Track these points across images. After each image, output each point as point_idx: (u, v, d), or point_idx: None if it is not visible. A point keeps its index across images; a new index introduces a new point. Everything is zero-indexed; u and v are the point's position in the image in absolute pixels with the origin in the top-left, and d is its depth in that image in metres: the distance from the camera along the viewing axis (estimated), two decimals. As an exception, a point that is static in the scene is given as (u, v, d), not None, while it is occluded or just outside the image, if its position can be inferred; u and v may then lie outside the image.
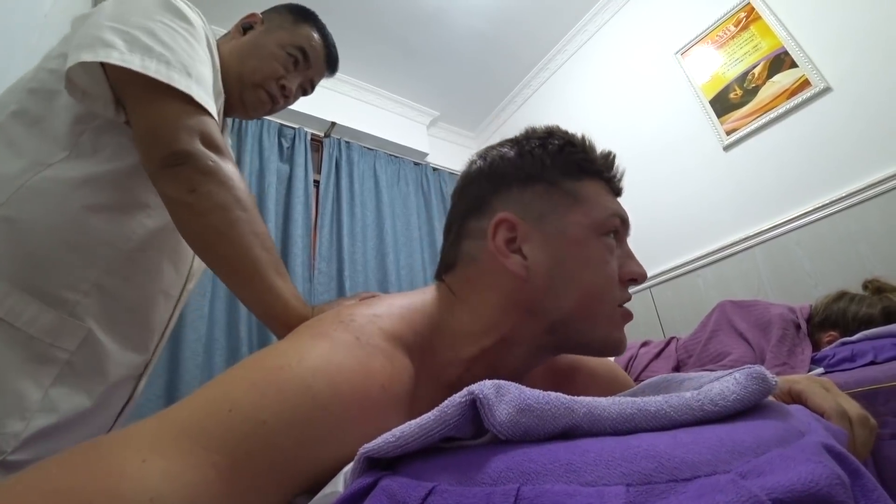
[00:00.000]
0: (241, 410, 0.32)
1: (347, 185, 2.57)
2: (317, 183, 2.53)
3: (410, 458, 0.29)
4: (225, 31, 0.86)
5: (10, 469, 0.55)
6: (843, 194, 1.62)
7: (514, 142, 0.55)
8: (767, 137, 1.86)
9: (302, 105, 2.48)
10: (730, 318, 1.29)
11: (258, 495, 0.32)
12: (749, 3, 1.94)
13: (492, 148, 0.56)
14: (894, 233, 1.51)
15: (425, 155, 3.11)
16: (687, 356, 1.27)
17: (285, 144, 2.44)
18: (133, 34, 0.59)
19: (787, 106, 1.79)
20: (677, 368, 1.26)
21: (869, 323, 1.15)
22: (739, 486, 0.19)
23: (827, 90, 1.71)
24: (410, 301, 0.51)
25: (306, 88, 0.90)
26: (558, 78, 2.90)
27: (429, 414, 0.28)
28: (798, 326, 1.22)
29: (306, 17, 0.86)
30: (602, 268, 0.48)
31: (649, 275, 2.16)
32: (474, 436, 0.29)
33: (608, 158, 0.55)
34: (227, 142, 0.89)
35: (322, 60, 0.87)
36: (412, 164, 3.05)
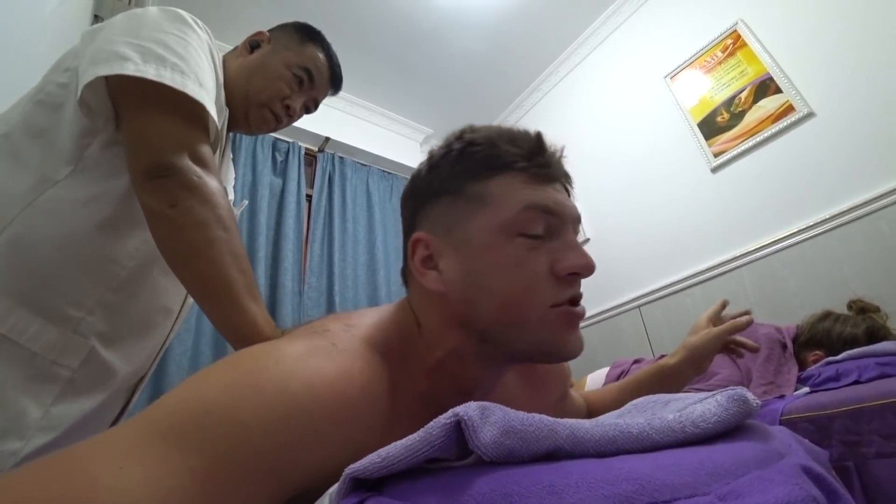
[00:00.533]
0: (218, 412, 0.31)
1: (340, 200, 2.58)
2: (309, 197, 2.54)
3: (395, 479, 0.29)
4: (230, 48, 0.88)
5: None
6: (827, 216, 1.66)
7: (429, 155, 0.53)
8: (753, 160, 1.91)
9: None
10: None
11: (237, 501, 0.31)
12: (736, 31, 2.00)
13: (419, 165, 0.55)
14: (877, 254, 1.54)
15: (418, 172, 3.14)
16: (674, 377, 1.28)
17: (279, 158, 2.45)
18: (146, 46, 0.60)
19: (773, 130, 1.84)
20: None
21: (853, 343, 1.17)
22: (716, 509, 0.19)
23: (810, 115, 1.76)
24: (379, 315, 0.51)
25: (309, 107, 0.91)
26: (550, 99, 2.95)
27: (414, 435, 0.28)
28: (784, 346, 1.23)
29: (312, 36, 0.87)
30: (517, 270, 0.44)
31: (640, 293, 2.19)
32: (459, 457, 0.30)
33: (527, 144, 0.49)
34: (229, 156, 0.90)
35: (326, 80, 0.89)
36: (405, 180, 3.06)
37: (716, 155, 2.00)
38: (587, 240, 2.45)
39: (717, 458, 0.25)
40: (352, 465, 0.29)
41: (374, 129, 2.97)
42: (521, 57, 2.77)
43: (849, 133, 1.66)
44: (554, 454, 0.27)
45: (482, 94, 3.00)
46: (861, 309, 1.31)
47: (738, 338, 0.78)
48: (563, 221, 0.47)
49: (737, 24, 2.00)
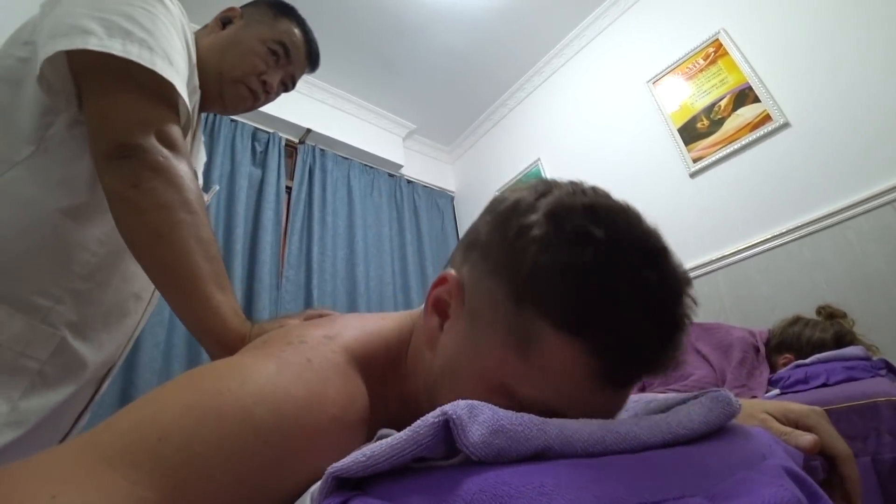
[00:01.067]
0: (173, 439, 0.28)
1: (320, 193, 2.55)
2: (289, 189, 2.50)
3: (380, 479, 0.28)
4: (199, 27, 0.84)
5: None
6: (799, 224, 1.71)
7: (553, 214, 0.36)
8: (731, 167, 1.95)
9: (277, 110, 2.45)
10: (692, 341, 1.33)
11: None
12: (717, 39, 2.04)
13: (530, 188, 0.40)
14: (845, 262, 1.60)
15: (400, 167, 3.11)
16: (651, 380, 1.30)
17: (258, 148, 2.40)
18: (111, 19, 0.56)
19: (750, 138, 1.88)
20: (643, 388, 1.29)
21: (822, 347, 1.21)
22: (707, 511, 0.19)
23: (786, 125, 1.81)
24: (367, 325, 0.46)
25: (287, 84, 0.87)
26: (534, 99, 2.97)
27: (401, 434, 0.27)
28: (757, 349, 1.26)
29: (286, 11, 0.84)
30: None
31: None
32: (446, 456, 0.29)
33: (644, 329, 0.32)
34: (201, 138, 0.86)
35: (303, 55, 0.85)
36: (386, 175, 3.05)
37: (695, 160, 2.04)
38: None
39: (705, 460, 0.25)
40: (335, 464, 0.28)
41: (357, 122, 2.93)
42: (506, 56, 2.77)
43: (821, 144, 1.72)
44: (542, 454, 0.26)
45: (466, 91, 2.99)
46: (829, 314, 1.35)
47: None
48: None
49: (719, 33, 2.04)
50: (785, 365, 1.22)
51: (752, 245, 1.82)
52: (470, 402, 0.27)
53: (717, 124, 2.00)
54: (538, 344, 0.33)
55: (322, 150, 2.70)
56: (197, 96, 0.73)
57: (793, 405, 0.47)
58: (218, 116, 2.25)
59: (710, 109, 2.03)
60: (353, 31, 2.46)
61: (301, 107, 2.61)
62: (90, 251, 0.63)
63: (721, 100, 2.00)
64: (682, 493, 0.21)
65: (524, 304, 0.34)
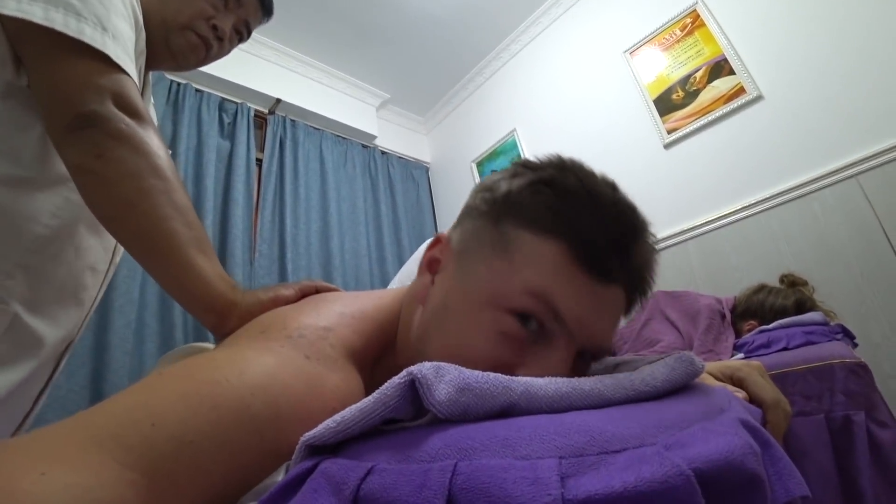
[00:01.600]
0: (167, 427, 0.28)
1: (292, 165, 2.48)
2: (259, 162, 2.42)
3: (352, 443, 0.29)
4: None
5: None
6: (768, 195, 1.76)
7: (511, 168, 0.45)
8: (705, 138, 1.98)
9: (245, 79, 2.36)
10: (662, 308, 1.37)
11: None
12: (695, 10, 2.04)
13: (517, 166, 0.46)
14: (809, 233, 1.66)
15: (374, 137, 3.04)
16: (622, 342, 1.34)
17: (226, 119, 2.31)
18: None
19: (724, 110, 1.90)
20: (612, 353, 1.33)
21: (783, 313, 1.26)
22: (663, 457, 0.20)
23: (759, 98, 1.83)
24: (362, 308, 0.46)
25: (242, 33, 0.81)
26: (510, 68, 2.92)
27: (369, 397, 0.28)
28: (723, 316, 1.31)
29: None
30: (470, 341, 0.38)
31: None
32: (414, 417, 0.29)
33: (603, 218, 0.38)
34: (150, 101, 0.81)
35: (255, 1, 0.79)
36: (360, 146, 2.98)
37: (669, 131, 2.06)
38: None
39: (664, 413, 0.26)
40: (307, 433, 0.28)
41: (329, 91, 2.84)
42: (483, 23, 2.71)
43: (791, 118, 1.75)
44: (508, 411, 0.27)
45: (441, 60, 2.92)
46: (791, 283, 1.40)
47: None
48: (570, 336, 0.37)
49: (696, 3, 2.03)
50: (749, 331, 1.27)
51: (723, 216, 1.87)
52: (436, 363, 0.28)
53: (691, 96, 2.01)
54: (518, 243, 0.38)
55: (293, 120, 2.61)
56: (144, 58, 0.68)
57: (730, 362, 0.53)
58: (182, 87, 2.14)
59: (685, 81, 2.04)
60: (325, -5, 2.36)
61: (270, 76, 2.52)
62: (42, 224, 0.59)
63: (697, 71, 2.00)
64: (642, 443, 0.22)
65: (501, 220, 0.40)
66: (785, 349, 1.07)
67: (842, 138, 1.63)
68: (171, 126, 2.07)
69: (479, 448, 0.22)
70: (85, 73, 0.52)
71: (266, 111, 2.54)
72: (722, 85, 1.93)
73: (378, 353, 0.45)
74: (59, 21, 0.50)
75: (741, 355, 1.13)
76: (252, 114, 2.41)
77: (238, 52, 2.78)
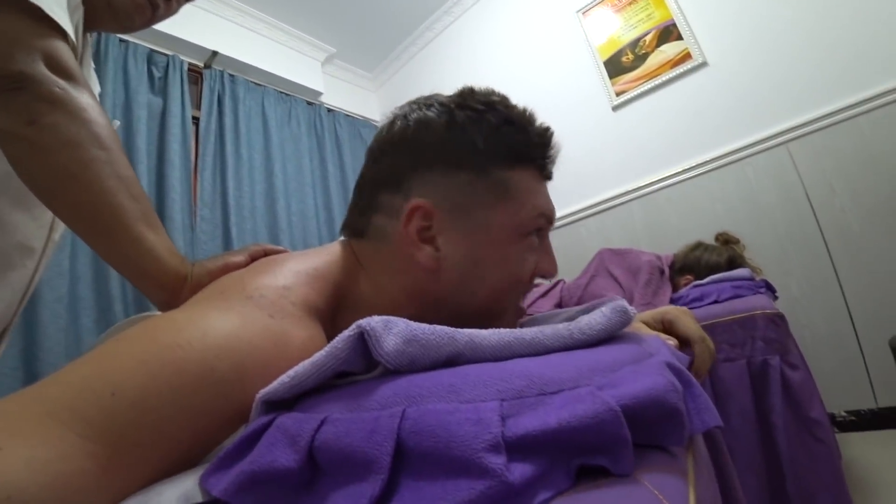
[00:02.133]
0: (127, 395, 0.27)
1: (232, 124, 2.33)
2: (196, 120, 2.26)
3: (306, 396, 0.30)
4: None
5: None
6: (708, 158, 1.85)
7: (442, 107, 0.47)
8: (651, 102, 2.03)
9: (176, 29, 2.16)
10: (607, 265, 1.44)
11: (146, 485, 0.28)
12: (645, -29, 2.04)
13: (417, 107, 0.48)
14: (744, 195, 1.78)
15: (319, 94, 2.90)
16: (569, 297, 1.41)
17: (157, 74, 2.12)
18: None
19: (670, 75, 1.96)
20: (559, 307, 1.39)
21: (716, 269, 1.36)
22: (595, 396, 0.21)
23: (704, 65, 1.90)
24: (315, 264, 0.46)
25: None
26: (461, 23, 2.85)
27: (320, 352, 0.28)
28: (662, 272, 1.39)
29: None
30: (515, 269, 0.46)
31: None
32: (366, 370, 0.30)
33: (545, 137, 0.49)
34: (90, 64, 0.73)
35: None
36: (305, 103, 2.84)
37: (618, 94, 2.10)
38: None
39: (599, 358, 0.28)
40: (263, 390, 0.29)
41: (270, 44, 2.66)
42: (436, -23, 2.61)
43: (732, 86, 1.84)
44: (454, 360, 0.28)
45: (391, 13, 2.80)
46: (725, 241, 1.51)
47: None
48: (551, 227, 0.51)
49: (647, -36, 2.04)
50: (685, 285, 1.36)
51: (666, 177, 1.96)
52: (384, 317, 0.28)
53: (640, 59, 2.04)
54: (513, 183, 0.46)
55: (231, 75, 2.44)
56: (80, 13, 0.60)
57: (661, 308, 0.61)
58: (102, 36, 1.94)
59: (635, 44, 2.06)
60: (263, -64, 2.18)
61: (205, 26, 2.31)
62: None
63: (646, 35, 2.03)
64: (577, 385, 0.23)
65: (487, 169, 0.45)
66: (716, 302, 1.16)
67: (775, 108, 1.73)
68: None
69: (427, 395, 0.23)
70: (12, 28, 0.46)
71: (201, 65, 2.35)
72: (669, 49, 1.97)
73: (336, 309, 0.45)
74: None
75: (676, 309, 1.21)
76: (186, 67, 2.22)
77: (167, -3, 2.46)
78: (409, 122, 0.47)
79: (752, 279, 1.26)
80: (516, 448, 0.20)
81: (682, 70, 1.93)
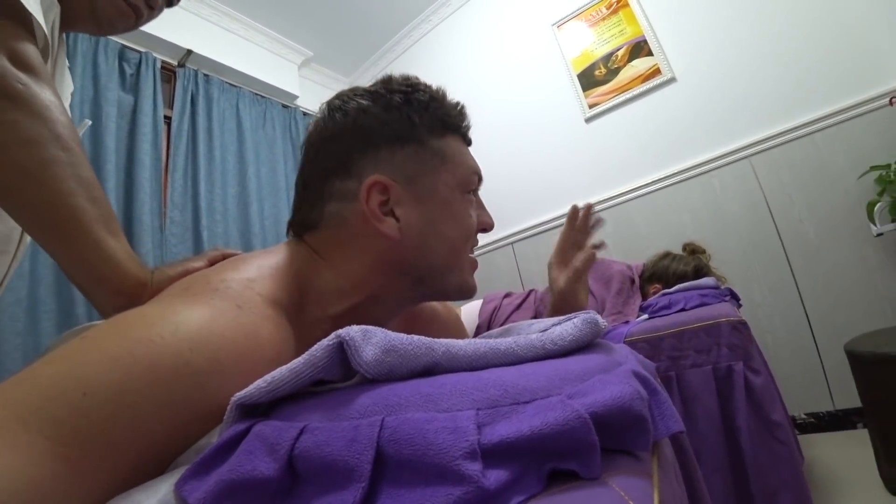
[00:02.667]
0: (100, 394, 0.27)
1: (205, 125, 2.29)
2: (168, 119, 2.21)
3: (283, 403, 0.29)
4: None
5: None
6: (676, 171, 1.92)
7: (374, 94, 0.51)
8: (623, 114, 2.09)
9: (150, 26, 2.09)
10: (580, 274, 1.47)
11: (121, 484, 0.27)
12: (619, -11, 2.11)
13: (348, 98, 0.52)
14: (709, 206, 1.85)
15: (295, 97, 2.89)
16: (543, 307, 1.43)
17: (128, 71, 2.07)
18: None
19: (641, 89, 2.02)
20: (535, 317, 1.41)
21: (683, 278, 1.41)
22: (566, 404, 0.23)
23: (673, 80, 1.97)
24: (276, 261, 0.46)
25: None
26: (439, 32, 2.88)
27: (299, 359, 0.29)
28: (632, 281, 1.43)
29: None
30: (465, 223, 0.52)
31: (513, 230, 2.36)
32: (344, 378, 0.30)
33: (462, 109, 0.56)
34: (65, 63, 0.71)
35: None
36: (280, 106, 2.82)
37: (591, 106, 2.16)
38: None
39: (569, 367, 0.29)
40: (238, 393, 0.29)
41: (246, 45, 2.63)
42: (414, -16, 2.63)
43: (699, 101, 1.91)
44: (431, 370, 0.28)
45: (370, 18, 2.81)
46: (692, 250, 1.56)
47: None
48: (481, 184, 0.57)
49: (621, -18, 2.10)
50: (654, 294, 1.40)
51: (636, 188, 2.02)
52: (363, 326, 0.29)
53: (613, 73, 2.11)
54: (447, 149, 0.52)
55: (206, 75, 2.39)
56: (56, 11, 0.59)
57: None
58: (72, 28, 1.88)
59: (608, 58, 2.13)
60: (241, -63, 2.16)
61: (180, 24, 2.27)
62: None
63: (619, 50, 2.10)
64: (549, 394, 0.25)
65: (426, 140, 0.51)
66: (683, 310, 1.20)
67: (739, 122, 1.81)
68: (62, 74, 1.82)
69: (405, 404, 0.24)
70: None
71: (175, 63, 2.30)
72: (640, 64, 2.04)
73: (297, 303, 0.45)
74: None
75: (646, 316, 1.25)
76: (159, 65, 2.18)
77: (140, -5, 2.40)
78: (346, 112, 0.50)
79: (717, 287, 1.31)
80: (491, 455, 0.21)
81: (652, 84, 2.00)
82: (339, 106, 0.51)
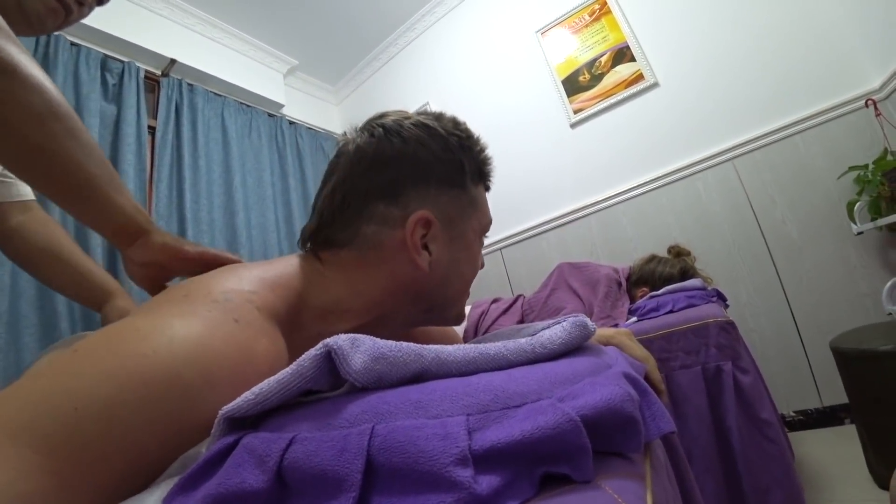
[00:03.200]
0: (92, 408, 0.26)
1: (190, 134, 2.26)
2: (152, 129, 2.18)
3: (272, 415, 0.29)
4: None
5: None
6: (661, 174, 1.94)
7: (431, 130, 0.52)
8: (607, 119, 2.12)
9: (134, 35, 2.10)
10: (566, 278, 1.48)
11: (110, 497, 0.27)
12: (602, -4, 2.14)
13: (404, 125, 0.52)
14: (693, 208, 1.87)
15: (281, 106, 2.87)
16: (530, 311, 1.43)
17: (111, 80, 2.03)
18: None
19: (624, 94, 2.05)
20: (522, 320, 1.41)
21: (670, 280, 1.42)
22: (556, 408, 0.22)
23: (655, 85, 2.00)
24: (277, 273, 0.46)
25: None
26: (424, 40, 2.90)
27: (286, 369, 0.28)
28: (620, 284, 1.44)
29: None
30: (477, 264, 0.59)
31: (502, 236, 2.39)
32: (332, 388, 0.30)
33: (491, 161, 0.60)
34: None
35: None
36: (266, 115, 2.79)
37: (575, 112, 2.18)
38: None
39: (559, 371, 0.29)
40: (226, 406, 0.28)
41: (231, 54, 2.61)
42: (399, -8, 2.63)
43: (682, 105, 1.94)
44: (421, 377, 0.28)
45: (355, 27, 2.81)
46: (677, 253, 1.58)
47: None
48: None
49: (603, -11, 2.14)
50: (642, 296, 1.41)
51: (622, 192, 2.04)
52: (351, 335, 0.28)
53: (597, 79, 2.13)
54: (478, 196, 0.57)
55: (190, 84, 2.37)
56: None
57: (604, 331, 0.71)
58: (53, 38, 1.85)
59: (592, 64, 2.15)
60: (224, -53, 2.15)
61: (163, 33, 2.25)
62: None
63: (602, 56, 2.12)
64: (539, 398, 0.24)
65: (468, 185, 0.55)
66: (671, 311, 1.21)
67: (722, 126, 1.85)
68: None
69: (395, 411, 0.24)
70: None
71: (159, 72, 2.27)
72: (624, 70, 2.06)
73: (297, 317, 0.45)
74: None
75: (635, 319, 1.26)
76: (142, 75, 2.14)
77: (125, 3, 2.38)
78: (405, 139, 0.51)
79: (704, 289, 1.32)
80: (483, 460, 0.21)
81: (635, 90, 2.03)
82: (396, 131, 0.51)
